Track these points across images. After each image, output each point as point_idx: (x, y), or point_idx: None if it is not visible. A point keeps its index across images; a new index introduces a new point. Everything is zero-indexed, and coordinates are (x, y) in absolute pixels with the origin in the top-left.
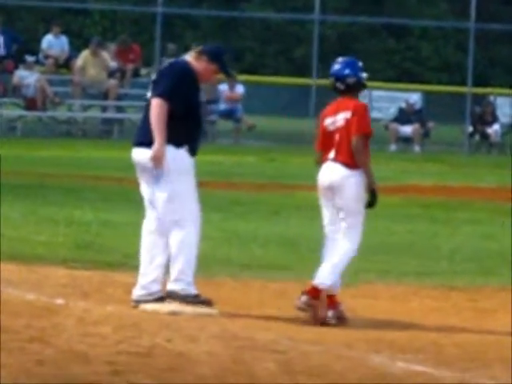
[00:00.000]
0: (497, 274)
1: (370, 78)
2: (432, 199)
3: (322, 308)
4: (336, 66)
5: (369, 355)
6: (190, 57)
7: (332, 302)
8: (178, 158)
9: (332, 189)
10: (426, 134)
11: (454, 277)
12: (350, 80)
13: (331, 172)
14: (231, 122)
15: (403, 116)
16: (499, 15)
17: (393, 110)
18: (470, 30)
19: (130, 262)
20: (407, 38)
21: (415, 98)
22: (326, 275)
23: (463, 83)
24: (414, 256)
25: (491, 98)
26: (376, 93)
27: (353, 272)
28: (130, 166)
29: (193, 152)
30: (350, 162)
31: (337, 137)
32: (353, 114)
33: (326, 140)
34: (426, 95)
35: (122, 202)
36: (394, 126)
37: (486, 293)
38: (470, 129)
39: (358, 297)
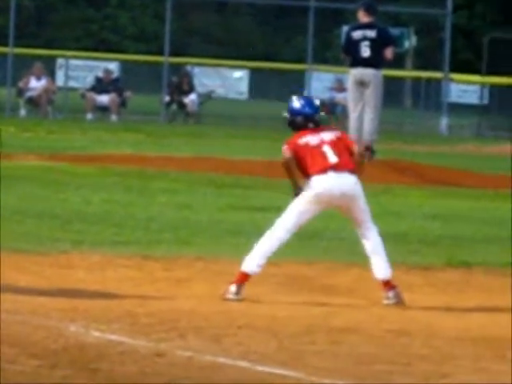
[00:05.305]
0: (192, 243)
1: (67, 48)
2: (128, 168)
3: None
4: (298, 105)
5: (64, 324)
6: None
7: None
8: None
9: (344, 198)
10: (122, 103)
11: (149, 246)
12: (317, 117)
13: (344, 181)
14: None
15: (100, 85)
16: None
17: (90, 79)
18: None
19: None
20: (105, 7)
21: (112, 67)
22: (386, 266)
23: (160, 52)
24: (110, 225)
25: (188, 67)
26: (73, 62)
27: (48, 241)
28: None
29: None
30: (352, 168)
31: (327, 147)
32: (337, 134)
33: (310, 155)
34: (123, 64)
35: None
36: (91, 95)
37: (181, 262)
38: (167, 98)
39: (53, 266)
